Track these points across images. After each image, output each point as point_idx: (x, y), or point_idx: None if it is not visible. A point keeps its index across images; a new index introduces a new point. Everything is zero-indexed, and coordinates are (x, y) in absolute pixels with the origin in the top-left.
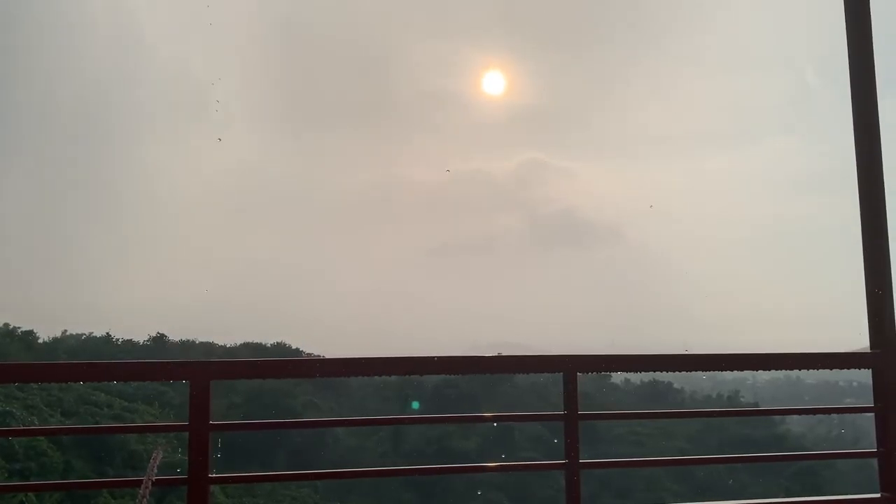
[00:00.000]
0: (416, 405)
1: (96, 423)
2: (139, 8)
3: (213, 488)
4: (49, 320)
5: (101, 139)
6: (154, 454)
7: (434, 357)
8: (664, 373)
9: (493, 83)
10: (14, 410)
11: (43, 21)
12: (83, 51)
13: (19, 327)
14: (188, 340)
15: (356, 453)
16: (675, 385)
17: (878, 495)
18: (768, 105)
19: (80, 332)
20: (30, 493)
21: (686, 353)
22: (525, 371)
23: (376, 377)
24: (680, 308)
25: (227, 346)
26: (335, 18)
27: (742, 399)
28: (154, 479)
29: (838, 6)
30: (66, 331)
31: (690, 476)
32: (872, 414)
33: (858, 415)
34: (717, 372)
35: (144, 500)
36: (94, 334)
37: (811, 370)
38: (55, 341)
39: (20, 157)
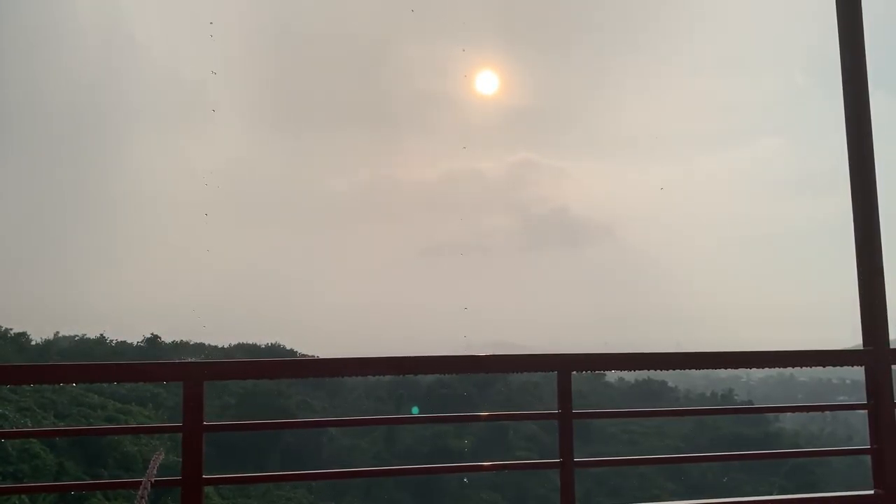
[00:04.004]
0: (415, 410)
1: (90, 424)
2: (128, 7)
3: (208, 489)
4: (42, 322)
5: (92, 139)
6: (155, 456)
7: (428, 356)
8: (658, 371)
9: (486, 83)
10: (7, 412)
11: (30, 21)
12: (72, 51)
13: (11, 329)
14: (182, 341)
15: (350, 453)
16: (670, 384)
17: (871, 492)
18: (759, 105)
19: (73, 334)
20: (23, 496)
21: (679, 351)
22: (519, 370)
23: (370, 377)
24: (673, 307)
25: (221, 346)
26: (327, 18)
27: (736, 397)
28: (153, 480)
29: (829, 5)
30: (58, 332)
31: (684, 474)
32: (865, 411)
33: (851, 412)
34: (711, 370)
35: (143, 501)
36: (87, 336)
37: (804, 368)
38: (48, 343)
39: (11, 158)
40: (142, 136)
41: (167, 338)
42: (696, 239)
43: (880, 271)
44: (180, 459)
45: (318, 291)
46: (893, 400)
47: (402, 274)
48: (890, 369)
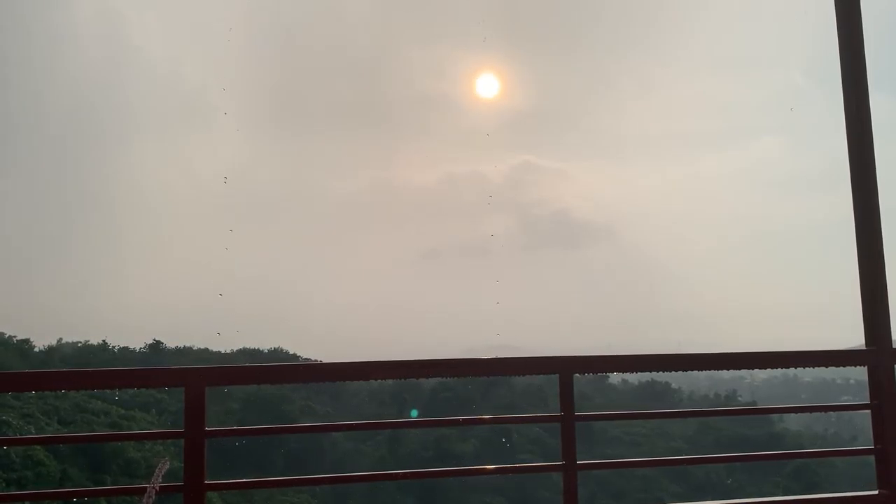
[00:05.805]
0: (414, 413)
1: (93, 431)
2: (130, 14)
3: (210, 495)
4: (45, 329)
5: (94, 145)
6: (161, 464)
7: (430, 360)
8: (661, 373)
9: (487, 86)
10: (10, 419)
11: (32, 28)
12: (74, 58)
13: (15, 336)
14: (184, 347)
15: (353, 457)
16: (673, 385)
17: (875, 492)
18: (759, 105)
19: (76, 340)
20: (27, 503)
21: (681, 352)
22: (521, 373)
23: (373, 381)
24: (674, 306)
25: (224, 351)
26: (329, 23)
27: (739, 398)
28: (157, 487)
29: (828, 5)
30: (61, 339)
31: (688, 476)
32: (869, 411)
33: (855, 412)
34: (714, 371)
35: None
36: (90, 342)
37: (808, 368)
38: (51, 349)
39: (14, 165)
40: (144, 141)
41: (170, 343)
42: (696, 238)
43: (882, 271)
44: (182, 465)
45: (319, 295)
46: None
47: (403, 277)
48: (893, 369)
